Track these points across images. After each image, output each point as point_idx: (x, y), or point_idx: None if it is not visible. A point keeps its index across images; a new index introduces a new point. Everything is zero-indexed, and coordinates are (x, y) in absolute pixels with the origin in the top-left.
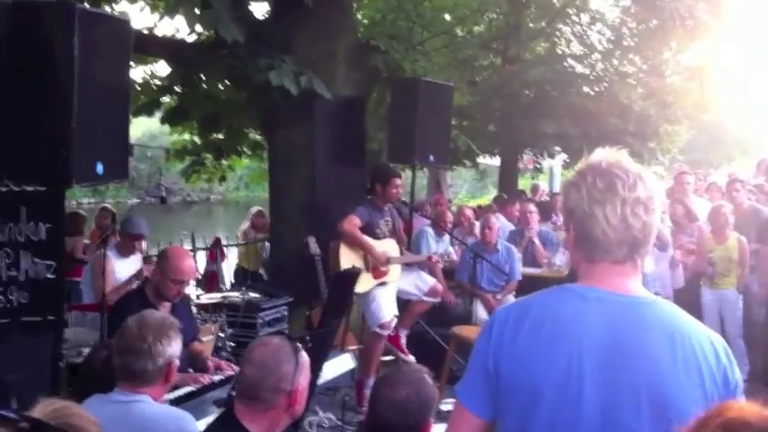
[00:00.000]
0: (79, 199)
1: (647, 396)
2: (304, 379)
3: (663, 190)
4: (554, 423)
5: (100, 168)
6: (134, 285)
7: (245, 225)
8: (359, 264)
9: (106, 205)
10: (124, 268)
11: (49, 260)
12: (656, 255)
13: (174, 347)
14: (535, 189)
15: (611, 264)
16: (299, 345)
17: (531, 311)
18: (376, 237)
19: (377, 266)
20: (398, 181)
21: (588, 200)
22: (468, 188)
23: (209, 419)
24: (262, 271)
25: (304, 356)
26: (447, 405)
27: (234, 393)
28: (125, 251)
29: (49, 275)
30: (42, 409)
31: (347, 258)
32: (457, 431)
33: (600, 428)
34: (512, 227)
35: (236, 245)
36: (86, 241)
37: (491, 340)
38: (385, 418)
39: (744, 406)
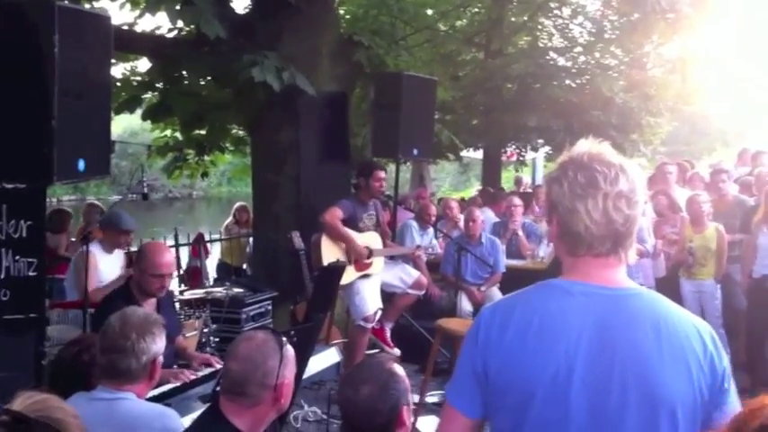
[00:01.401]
0: (60, 196)
1: (635, 387)
2: (290, 373)
3: (645, 180)
4: (545, 420)
5: (81, 165)
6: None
7: (228, 220)
8: (341, 256)
9: (95, 202)
10: (109, 264)
11: (31, 258)
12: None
13: (159, 344)
14: (519, 181)
15: (594, 257)
16: (285, 338)
17: (516, 310)
18: (359, 230)
19: (360, 259)
20: (381, 174)
21: (570, 195)
22: (450, 181)
23: (195, 415)
24: (245, 266)
25: (290, 350)
26: (433, 397)
27: (218, 389)
28: (110, 247)
29: (30, 273)
30: (22, 402)
31: (329, 251)
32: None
33: (588, 422)
34: (497, 220)
35: (219, 240)
36: (73, 239)
37: (478, 341)
38: (352, 421)
39: None
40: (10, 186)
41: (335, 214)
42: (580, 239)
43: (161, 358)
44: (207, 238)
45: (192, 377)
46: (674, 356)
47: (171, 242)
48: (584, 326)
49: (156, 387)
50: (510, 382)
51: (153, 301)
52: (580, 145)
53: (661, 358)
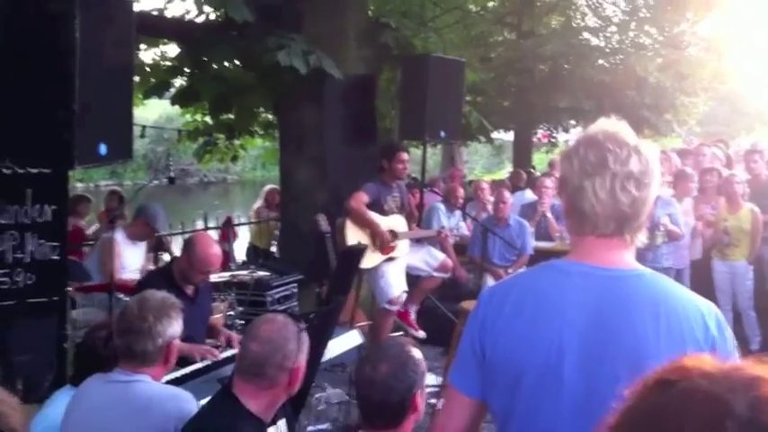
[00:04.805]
0: (97, 181)
1: (629, 370)
2: (303, 357)
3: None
4: (537, 402)
5: (103, 149)
6: None
7: (258, 203)
8: (365, 240)
9: (115, 188)
10: (132, 254)
11: (55, 241)
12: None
13: (175, 328)
14: (552, 164)
15: (597, 237)
16: (302, 323)
17: (513, 290)
18: (384, 213)
19: (384, 244)
20: (404, 156)
21: (579, 172)
22: (483, 164)
23: None
24: (274, 249)
25: (305, 334)
26: None
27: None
28: (134, 237)
29: (54, 257)
30: None
31: (353, 235)
32: (449, 412)
33: (582, 405)
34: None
35: (248, 223)
36: (97, 225)
37: (477, 321)
38: (368, 398)
39: (698, 357)
40: (34, 171)
41: (361, 199)
42: (585, 218)
43: (177, 341)
44: (236, 221)
45: (220, 357)
46: (671, 339)
47: (201, 225)
48: (579, 307)
49: (182, 366)
50: (502, 362)
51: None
52: (598, 123)
53: (657, 340)
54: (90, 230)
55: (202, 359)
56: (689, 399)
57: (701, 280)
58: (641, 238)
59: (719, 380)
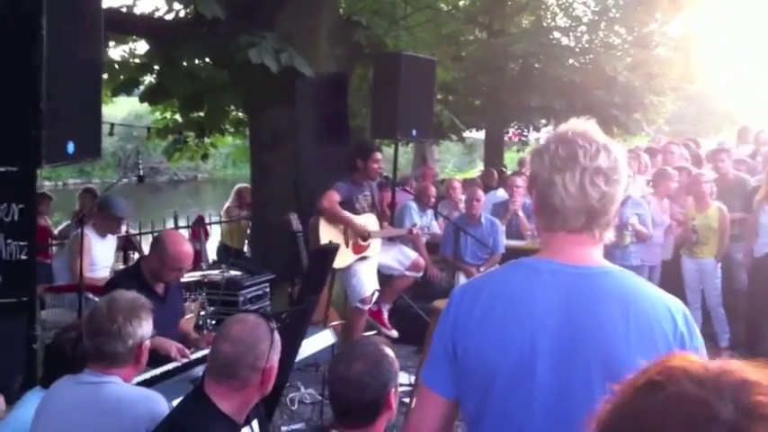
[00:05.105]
0: (65, 179)
1: (600, 369)
2: (276, 356)
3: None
4: (510, 402)
5: (71, 147)
6: None
7: (229, 202)
8: (337, 239)
9: (90, 186)
10: (102, 248)
11: (23, 241)
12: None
13: (145, 328)
14: (522, 163)
15: (568, 233)
16: (273, 323)
17: (484, 290)
18: (355, 212)
19: (357, 241)
20: (379, 155)
21: (549, 167)
22: (455, 162)
23: None
24: (246, 248)
25: (277, 334)
26: None
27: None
28: (103, 231)
29: (22, 256)
30: None
31: (326, 234)
32: (422, 412)
33: (554, 405)
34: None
35: (219, 222)
36: (67, 222)
37: (448, 320)
38: (341, 395)
39: (686, 356)
40: (1, 169)
41: (333, 198)
42: (556, 213)
43: (148, 342)
44: (207, 220)
45: (191, 357)
46: (641, 336)
47: (171, 225)
48: (549, 306)
49: (155, 367)
50: (474, 361)
51: (163, 284)
52: (568, 122)
53: (627, 338)
54: (58, 229)
55: (176, 355)
56: (675, 402)
57: (671, 277)
58: (609, 236)
59: (707, 384)
